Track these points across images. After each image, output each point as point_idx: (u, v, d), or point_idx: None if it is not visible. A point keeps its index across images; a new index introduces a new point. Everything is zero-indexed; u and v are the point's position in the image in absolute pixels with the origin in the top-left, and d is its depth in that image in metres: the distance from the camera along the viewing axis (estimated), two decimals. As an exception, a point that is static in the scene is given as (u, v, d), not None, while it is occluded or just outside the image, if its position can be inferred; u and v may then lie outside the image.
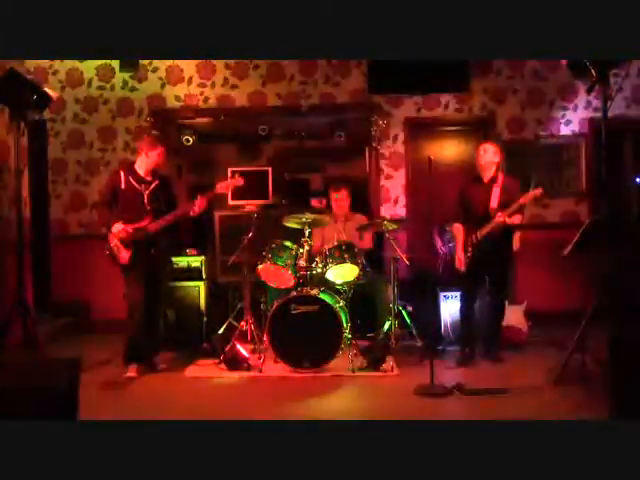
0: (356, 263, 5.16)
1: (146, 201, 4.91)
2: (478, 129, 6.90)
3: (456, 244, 5.17)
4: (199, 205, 4.93)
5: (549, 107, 6.80)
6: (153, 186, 4.96)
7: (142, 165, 4.97)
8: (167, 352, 5.25)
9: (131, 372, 4.90)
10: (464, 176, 5.57)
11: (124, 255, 4.85)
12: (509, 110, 6.83)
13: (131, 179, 4.92)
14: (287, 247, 5.17)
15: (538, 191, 4.81)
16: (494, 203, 4.97)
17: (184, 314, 5.84)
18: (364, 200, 6.95)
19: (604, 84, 4.23)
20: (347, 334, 5.00)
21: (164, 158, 5.03)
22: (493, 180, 5.05)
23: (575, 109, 6.79)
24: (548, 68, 6.76)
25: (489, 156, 5.05)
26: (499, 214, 4.88)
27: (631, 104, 6.72)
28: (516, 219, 4.96)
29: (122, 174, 4.93)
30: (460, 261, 5.07)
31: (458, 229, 5.16)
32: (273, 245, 5.19)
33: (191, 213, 4.96)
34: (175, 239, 5.40)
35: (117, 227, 4.82)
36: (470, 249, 5.01)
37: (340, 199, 5.84)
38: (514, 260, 5.36)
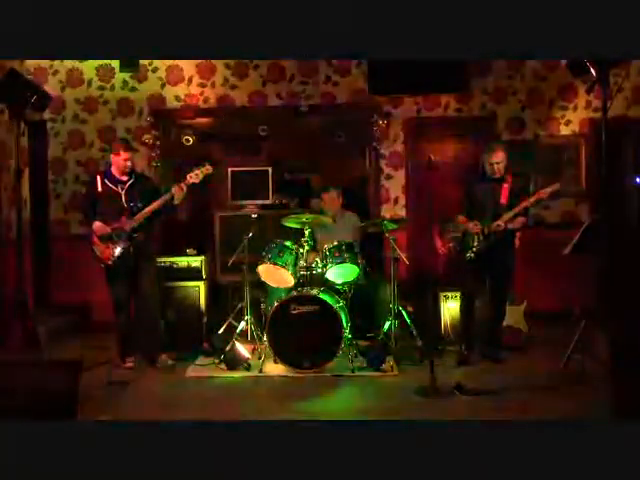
0: (356, 263, 5.15)
1: (123, 200, 5.02)
2: (478, 129, 6.89)
3: (466, 226, 5.06)
4: (177, 191, 4.92)
5: (549, 107, 6.81)
6: (128, 185, 5.07)
7: (115, 167, 5.09)
8: (167, 352, 5.25)
9: (129, 363, 5.13)
10: (468, 174, 5.51)
11: (103, 254, 4.97)
12: (509, 110, 6.82)
13: (107, 181, 5.06)
14: (287, 247, 5.17)
15: (556, 186, 4.82)
16: (504, 200, 4.95)
17: (184, 314, 5.82)
18: (364, 200, 6.95)
19: (604, 84, 4.22)
20: (347, 334, 5.00)
21: (127, 163, 5.04)
22: (502, 179, 5.02)
23: (575, 109, 6.79)
24: (548, 68, 6.75)
25: (503, 164, 5.00)
26: (502, 220, 4.86)
27: (631, 104, 6.72)
28: (518, 222, 4.95)
29: (98, 178, 5.09)
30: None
31: (463, 218, 5.11)
32: (273, 245, 5.19)
33: (175, 199, 4.95)
34: (153, 237, 5.37)
35: (96, 224, 4.96)
36: (475, 246, 4.97)
37: (329, 200, 5.82)
38: (515, 260, 5.36)
